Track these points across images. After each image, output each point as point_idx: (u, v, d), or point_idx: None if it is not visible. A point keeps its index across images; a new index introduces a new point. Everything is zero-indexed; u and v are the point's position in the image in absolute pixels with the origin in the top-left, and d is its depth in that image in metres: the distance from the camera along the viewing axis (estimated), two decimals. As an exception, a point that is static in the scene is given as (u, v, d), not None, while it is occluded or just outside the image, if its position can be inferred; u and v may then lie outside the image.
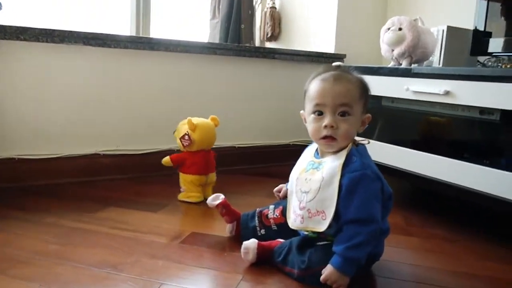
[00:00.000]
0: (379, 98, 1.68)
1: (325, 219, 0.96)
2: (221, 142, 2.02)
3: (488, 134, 1.32)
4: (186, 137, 1.51)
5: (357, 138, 1.04)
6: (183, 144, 1.52)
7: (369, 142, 1.05)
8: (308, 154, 1.09)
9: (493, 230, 1.37)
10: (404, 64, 1.76)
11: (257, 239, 1.08)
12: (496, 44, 1.63)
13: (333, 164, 0.97)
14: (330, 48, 2.26)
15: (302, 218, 1.01)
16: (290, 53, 2.14)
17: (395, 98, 1.57)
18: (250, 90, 2.08)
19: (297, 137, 2.23)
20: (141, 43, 1.72)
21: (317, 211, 0.98)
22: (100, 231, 1.23)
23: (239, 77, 2.04)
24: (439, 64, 1.76)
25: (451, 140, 1.46)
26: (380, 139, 1.66)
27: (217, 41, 2.50)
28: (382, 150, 1.60)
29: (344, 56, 2.23)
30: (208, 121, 1.58)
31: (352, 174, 0.94)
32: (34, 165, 1.62)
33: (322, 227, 0.96)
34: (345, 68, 1.06)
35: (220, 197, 1.22)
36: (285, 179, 1.70)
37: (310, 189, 0.99)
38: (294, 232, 1.07)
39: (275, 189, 1.28)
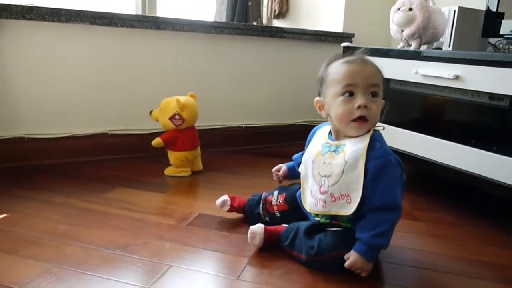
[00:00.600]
0: (387, 80, 1.66)
1: (350, 203, 0.95)
2: (228, 122, 2.03)
3: (497, 120, 1.31)
4: (177, 116, 1.54)
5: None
6: (174, 124, 1.55)
7: (384, 128, 1.02)
8: (320, 136, 1.06)
9: (499, 217, 1.38)
10: (413, 45, 1.73)
11: (261, 222, 1.11)
12: (508, 26, 1.60)
13: (355, 147, 0.95)
14: (338, 27, 2.23)
15: (325, 202, 0.99)
16: (297, 32, 2.11)
17: (404, 81, 1.56)
18: (256, 70, 2.07)
19: (303, 117, 2.23)
20: (147, 22, 1.70)
21: (341, 195, 0.96)
22: (109, 212, 1.25)
23: (246, 56, 2.02)
24: (449, 46, 1.74)
25: (459, 125, 1.45)
26: (386, 122, 1.65)
27: (223, 18, 2.47)
28: (388, 133, 1.58)
29: (353, 35, 2.21)
30: (191, 98, 1.62)
31: (377, 161, 0.93)
32: (43, 145, 1.63)
33: (349, 210, 0.95)
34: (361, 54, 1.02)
35: (228, 203, 1.22)
36: (291, 159, 1.72)
37: (332, 172, 0.97)
38: (298, 219, 1.08)
39: (274, 168, 1.27)
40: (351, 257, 0.94)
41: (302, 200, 1.07)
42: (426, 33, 1.73)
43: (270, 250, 1.06)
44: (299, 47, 2.14)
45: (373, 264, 0.96)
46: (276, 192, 1.19)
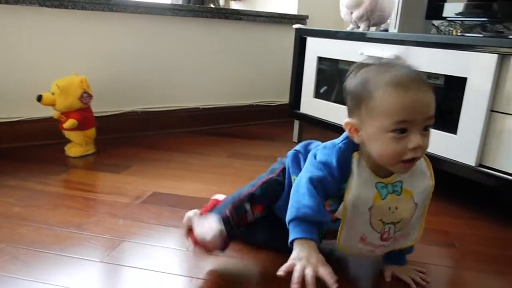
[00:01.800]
0: (336, 61, 1.74)
1: (406, 238, 0.89)
2: (185, 103, 2.06)
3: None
4: (85, 94, 1.58)
5: None
6: (84, 103, 1.59)
7: None
8: (363, 172, 0.82)
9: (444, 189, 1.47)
10: (362, 27, 1.80)
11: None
12: (452, 9, 1.69)
13: (421, 187, 0.85)
14: (293, 9, 2.28)
15: (385, 247, 0.88)
16: (252, 14, 2.14)
17: (351, 62, 1.63)
18: (213, 52, 2.10)
19: (260, 98, 2.28)
20: (99, 4, 1.70)
21: (403, 235, 0.88)
22: (63, 193, 1.28)
23: (202, 38, 2.05)
24: (395, 28, 1.82)
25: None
26: (337, 100, 1.73)
27: (180, 1, 2.47)
28: (338, 110, 1.67)
29: (307, 17, 2.26)
30: (74, 76, 1.61)
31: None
32: (-5, 129, 1.62)
33: (411, 241, 0.90)
34: (401, 59, 0.82)
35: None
36: (248, 139, 1.78)
37: (401, 220, 0.84)
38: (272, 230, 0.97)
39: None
40: (388, 270, 0.94)
41: (341, 241, 0.85)
42: (374, 15, 1.81)
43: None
44: (254, 29, 2.18)
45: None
46: (248, 207, 0.95)
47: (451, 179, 1.37)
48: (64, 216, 1.13)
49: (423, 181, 0.85)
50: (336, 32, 1.68)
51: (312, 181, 0.81)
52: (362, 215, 0.82)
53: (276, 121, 2.29)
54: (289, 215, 0.80)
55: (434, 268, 0.98)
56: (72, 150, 1.61)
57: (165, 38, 1.94)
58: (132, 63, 1.88)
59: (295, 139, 1.99)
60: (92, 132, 1.65)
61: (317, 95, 1.81)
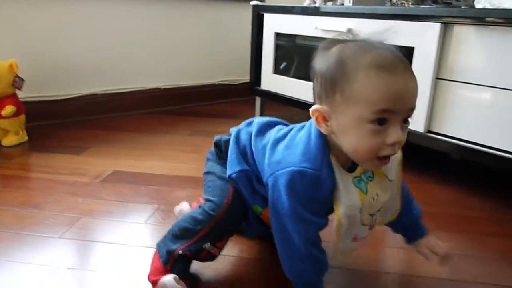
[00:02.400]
0: (293, 36, 1.76)
1: (386, 211, 0.79)
2: (146, 84, 2.05)
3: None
4: (17, 79, 1.52)
5: None
6: (18, 87, 1.53)
7: None
8: (342, 175, 0.71)
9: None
10: (318, 1, 1.83)
11: None
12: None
13: (391, 164, 0.74)
14: (251, -13, 2.28)
15: (368, 234, 0.78)
16: (211, -8, 2.14)
17: (307, 36, 1.66)
18: (173, 32, 2.09)
19: (222, 77, 2.29)
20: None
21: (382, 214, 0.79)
22: (22, 176, 1.28)
23: (161, 18, 2.03)
24: (349, 2, 1.85)
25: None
26: (296, 75, 1.76)
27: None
28: (297, 86, 1.70)
29: (266, -6, 2.27)
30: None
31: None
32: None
33: (390, 217, 0.80)
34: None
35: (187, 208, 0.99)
36: (210, 117, 1.80)
37: (383, 202, 0.75)
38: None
39: None
40: (423, 246, 0.83)
41: (339, 255, 0.79)
42: (329, -10, 1.83)
43: (179, 196, 1.14)
44: (213, 7, 2.18)
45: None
46: (208, 245, 0.80)
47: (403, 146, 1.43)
48: (24, 197, 1.13)
49: (394, 171, 0.76)
50: (292, 7, 1.70)
51: (308, 238, 0.71)
52: (355, 220, 0.73)
53: (240, 99, 2.30)
54: (288, 275, 0.73)
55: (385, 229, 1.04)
56: (8, 139, 1.53)
57: (123, 18, 1.92)
58: (89, 45, 1.85)
59: (257, 115, 2.02)
60: (23, 118, 1.57)
61: (277, 71, 1.84)
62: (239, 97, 2.30)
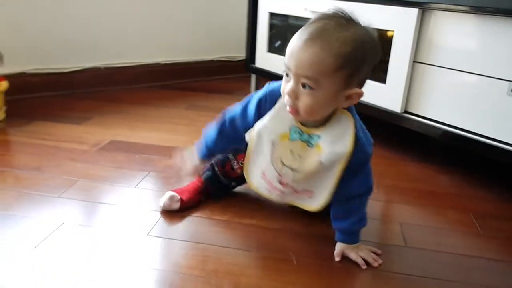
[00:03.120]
0: (286, 16, 1.83)
1: (311, 198, 0.88)
2: (147, 59, 2.14)
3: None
4: None
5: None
6: None
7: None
8: (286, 113, 0.82)
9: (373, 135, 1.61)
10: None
11: (224, 190, 1.09)
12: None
13: (335, 149, 0.81)
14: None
15: (283, 193, 0.90)
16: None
17: (298, 17, 1.73)
18: (176, 8, 2.16)
19: (220, 54, 2.37)
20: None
21: (305, 190, 0.88)
22: (25, 142, 1.38)
23: (162, -5, 2.11)
24: (343, -16, 1.90)
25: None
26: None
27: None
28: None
29: (265, -27, 2.31)
30: None
31: (360, 155, 0.83)
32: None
33: (313, 206, 0.88)
34: (347, 14, 0.78)
35: (176, 199, 1.02)
36: (207, 92, 1.89)
37: (301, 169, 0.85)
38: None
39: (190, 169, 1.04)
40: (338, 249, 0.90)
41: (246, 175, 0.93)
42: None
43: (174, 173, 1.25)
44: (214, -15, 2.25)
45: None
46: (231, 156, 1.06)
47: (380, 126, 1.51)
48: (26, 161, 1.24)
49: (340, 145, 0.81)
50: (284, -13, 1.77)
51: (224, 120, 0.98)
52: (264, 148, 0.86)
53: (237, 75, 2.39)
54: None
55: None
56: None
57: (124, -6, 2.00)
58: (92, 21, 1.94)
59: (252, 91, 2.10)
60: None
61: (271, 49, 1.92)
62: (237, 73, 2.38)
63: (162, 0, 2.11)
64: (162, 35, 2.16)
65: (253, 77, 2.09)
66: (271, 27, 1.89)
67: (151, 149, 1.38)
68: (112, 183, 1.14)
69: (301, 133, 0.84)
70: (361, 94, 0.79)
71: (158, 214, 1.01)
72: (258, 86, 2.09)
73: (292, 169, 0.85)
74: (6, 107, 1.58)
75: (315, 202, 0.88)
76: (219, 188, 1.08)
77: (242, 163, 0.98)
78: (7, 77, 1.74)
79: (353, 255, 0.89)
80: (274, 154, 0.86)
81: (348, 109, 0.84)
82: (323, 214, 0.93)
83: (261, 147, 0.87)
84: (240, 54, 2.37)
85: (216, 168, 1.07)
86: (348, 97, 0.78)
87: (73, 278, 0.78)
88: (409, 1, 1.31)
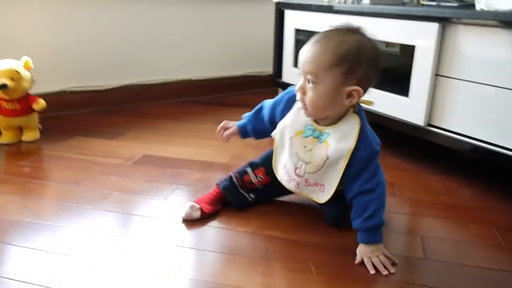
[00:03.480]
0: (311, 33, 1.87)
1: (323, 191, 0.98)
2: (179, 75, 2.23)
3: (390, 64, 1.55)
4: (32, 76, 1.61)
5: (362, 100, 0.96)
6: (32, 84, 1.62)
7: (373, 103, 0.97)
8: (303, 113, 0.98)
9: (395, 146, 1.63)
10: (337, -1, 1.93)
11: (248, 205, 1.14)
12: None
13: (340, 145, 0.93)
14: (278, -17, 2.40)
15: (298, 184, 1.01)
16: (239, -11, 2.28)
17: (323, 32, 1.77)
18: (206, 26, 2.25)
19: (249, 69, 2.44)
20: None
21: (316, 183, 0.99)
22: (65, 156, 1.48)
23: (194, 13, 2.20)
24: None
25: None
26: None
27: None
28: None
29: (290, -11, 2.38)
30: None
31: (363, 152, 0.93)
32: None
33: (322, 198, 0.99)
34: (354, 27, 0.93)
35: (196, 207, 1.09)
36: (237, 107, 1.97)
37: (312, 162, 0.97)
38: (284, 188, 1.07)
39: (221, 125, 1.21)
40: (358, 249, 0.95)
41: (274, 167, 1.07)
42: (348, -13, 1.92)
43: (200, 178, 1.31)
44: (243, 4, 2.32)
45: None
46: (249, 170, 1.14)
47: (403, 138, 1.52)
48: (64, 175, 1.34)
49: (345, 141, 0.92)
50: (309, 5, 1.82)
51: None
52: (285, 143, 1.01)
53: (265, 90, 2.44)
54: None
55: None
56: (32, 134, 1.61)
57: (158, 14, 2.10)
58: (126, 40, 2.05)
59: (279, 106, 2.16)
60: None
61: (296, 64, 1.96)
62: (264, 88, 2.44)
63: (193, 20, 2.20)
64: (192, 52, 2.25)
65: (280, 92, 2.14)
66: (297, 43, 1.94)
67: (181, 163, 1.45)
68: (143, 196, 1.21)
69: (313, 130, 0.97)
70: (359, 92, 0.89)
71: (187, 226, 1.07)
72: (285, 100, 2.13)
73: (305, 162, 0.98)
74: (47, 123, 1.70)
75: (325, 195, 0.98)
76: (235, 198, 1.14)
77: (260, 178, 1.12)
78: (47, 95, 1.86)
79: (365, 259, 0.92)
80: (292, 149, 1.00)
81: (358, 113, 0.95)
82: (341, 225, 1.01)
83: (283, 142, 1.02)
84: (267, 69, 2.43)
85: (234, 179, 1.14)
86: (349, 95, 0.90)
87: (106, 287, 0.85)
88: (429, 16, 1.33)
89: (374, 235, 0.94)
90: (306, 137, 0.98)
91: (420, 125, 1.41)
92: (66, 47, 1.91)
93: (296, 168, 1.00)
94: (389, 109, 1.50)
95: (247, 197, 1.14)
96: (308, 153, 0.97)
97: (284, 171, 1.04)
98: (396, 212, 1.17)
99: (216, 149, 1.57)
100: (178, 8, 2.15)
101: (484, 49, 1.22)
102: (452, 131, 1.34)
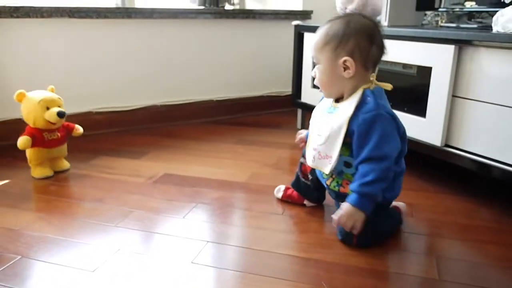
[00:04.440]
0: (329, 54, 1.91)
1: (330, 163, 1.06)
2: (200, 96, 2.29)
3: (408, 85, 1.56)
4: None
5: (380, 83, 1.05)
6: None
7: (391, 88, 1.05)
8: (328, 100, 1.12)
9: (414, 167, 1.63)
10: (356, 21, 1.96)
11: (312, 193, 1.27)
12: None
13: (343, 113, 1.02)
14: (298, 6, 2.45)
15: (313, 158, 1.11)
16: (259, 12, 2.34)
17: (341, 54, 1.80)
18: (226, 49, 2.31)
19: (269, 89, 2.48)
20: (119, 13, 1.95)
21: (326, 155, 1.07)
22: (90, 175, 1.54)
23: (215, 37, 2.27)
24: (385, 21, 1.96)
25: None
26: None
27: (197, 0, 2.69)
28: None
29: (311, 12, 2.43)
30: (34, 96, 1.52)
31: (366, 115, 0.98)
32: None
33: (326, 169, 1.07)
34: (349, 14, 1.07)
35: (281, 189, 1.34)
36: (257, 127, 1.99)
37: (322, 134, 1.07)
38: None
39: (298, 139, 1.29)
40: (342, 207, 1.01)
41: (305, 150, 1.18)
42: (366, 9, 1.91)
43: (219, 199, 1.35)
44: (263, 26, 2.38)
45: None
46: (302, 159, 1.27)
47: (421, 159, 1.52)
48: (90, 193, 1.39)
49: (346, 110, 1.02)
50: (327, 28, 1.85)
51: None
52: (313, 125, 1.13)
53: (285, 110, 2.48)
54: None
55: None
56: (65, 163, 1.60)
57: (180, 38, 2.18)
58: (149, 62, 2.13)
59: (299, 126, 2.19)
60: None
61: (315, 85, 1.99)
62: (284, 108, 2.48)
63: (214, 42, 2.27)
64: (213, 74, 2.32)
65: (299, 112, 2.17)
66: (315, 64, 1.97)
67: (200, 182, 1.48)
68: (163, 214, 1.25)
69: (331, 107, 1.08)
70: (350, 61, 1.00)
71: (203, 244, 1.10)
72: (304, 120, 2.17)
73: (318, 135, 1.09)
74: (73, 143, 1.76)
75: (330, 166, 1.06)
76: (300, 189, 1.29)
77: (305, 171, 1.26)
78: (73, 116, 1.95)
79: (341, 218, 1.00)
80: (313, 127, 1.13)
81: (378, 92, 1.03)
82: (347, 242, 1.07)
83: (312, 126, 1.14)
84: (287, 89, 2.47)
85: (299, 174, 1.28)
86: (344, 67, 1.01)
87: (124, 300, 0.88)
88: (445, 39, 1.34)
89: (363, 202, 0.99)
90: (324, 114, 1.09)
91: (437, 146, 1.41)
92: (92, 70, 2.00)
93: (313, 142, 1.11)
94: (406, 130, 1.50)
95: (309, 187, 1.26)
96: (322, 127, 1.08)
97: (309, 151, 1.14)
98: (412, 232, 1.17)
99: (235, 168, 1.61)
100: (199, 31, 2.22)
101: (501, 70, 1.23)
102: (469, 152, 1.34)
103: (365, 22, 1.03)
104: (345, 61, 1.00)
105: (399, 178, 1.10)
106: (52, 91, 1.57)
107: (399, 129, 1.04)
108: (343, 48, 1.00)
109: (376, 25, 1.04)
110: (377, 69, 1.09)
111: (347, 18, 1.03)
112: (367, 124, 0.98)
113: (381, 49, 1.04)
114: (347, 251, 1.06)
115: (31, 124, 1.50)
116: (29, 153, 1.52)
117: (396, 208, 1.20)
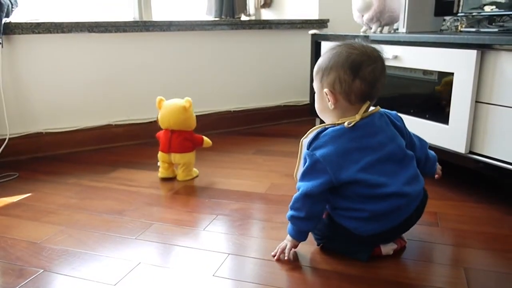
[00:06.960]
0: (347, 62, 1.89)
1: None
2: (218, 107, 2.30)
3: (428, 91, 1.53)
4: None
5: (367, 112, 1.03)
6: None
7: (351, 125, 1.00)
8: None
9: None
10: (373, 28, 1.95)
11: None
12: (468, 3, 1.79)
13: (305, 142, 1.08)
14: (314, 14, 2.45)
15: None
16: (275, 22, 2.34)
17: (359, 62, 1.78)
18: (243, 59, 2.32)
19: (287, 99, 2.47)
20: (137, 26, 1.97)
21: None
22: (110, 187, 1.55)
23: (233, 48, 2.28)
24: (403, 27, 1.94)
25: (399, 96, 1.68)
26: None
27: (213, 13, 2.71)
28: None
29: (328, 21, 2.42)
30: (177, 102, 1.64)
31: (307, 150, 1.05)
32: (57, 137, 1.94)
33: None
34: (348, 43, 1.03)
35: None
36: (275, 137, 1.96)
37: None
38: None
39: None
40: None
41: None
42: (384, 16, 1.94)
43: (239, 209, 1.34)
44: (279, 36, 2.38)
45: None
46: None
47: (446, 167, 1.49)
48: (110, 205, 1.39)
49: (306, 142, 1.07)
50: (345, 35, 1.84)
51: None
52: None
53: (303, 119, 2.47)
54: None
55: (415, 243, 1.13)
56: (193, 171, 1.65)
57: (198, 50, 2.19)
58: (166, 74, 2.14)
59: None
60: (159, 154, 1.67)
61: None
62: (303, 117, 2.46)
63: (231, 53, 2.28)
64: (231, 84, 2.32)
65: (317, 121, 2.15)
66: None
67: (220, 193, 1.48)
68: (183, 226, 1.25)
69: None
70: (328, 93, 1.01)
71: (224, 256, 1.08)
72: (323, 129, 2.14)
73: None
74: (93, 155, 1.78)
75: None
76: None
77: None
78: (93, 129, 1.97)
79: None
80: None
81: (331, 132, 1.03)
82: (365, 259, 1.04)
83: None
84: (304, 98, 2.46)
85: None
86: (327, 96, 1.02)
87: (146, 314, 0.87)
88: (467, 43, 1.32)
89: (291, 227, 1.06)
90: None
91: (461, 153, 1.38)
92: (111, 83, 2.02)
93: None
94: (429, 137, 1.46)
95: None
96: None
97: None
98: (438, 242, 1.14)
99: (254, 179, 1.60)
100: (216, 43, 2.23)
101: (525, 74, 1.19)
102: (494, 158, 1.30)
103: (351, 55, 0.99)
104: (326, 91, 1.02)
105: (375, 217, 1.01)
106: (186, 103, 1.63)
107: (328, 173, 0.99)
108: (326, 79, 1.03)
109: (370, 58, 1.00)
110: (373, 101, 1.05)
111: (339, 49, 1.02)
112: (304, 158, 1.05)
113: (368, 83, 0.99)
114: (371, 263, 1.03)
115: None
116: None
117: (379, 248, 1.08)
